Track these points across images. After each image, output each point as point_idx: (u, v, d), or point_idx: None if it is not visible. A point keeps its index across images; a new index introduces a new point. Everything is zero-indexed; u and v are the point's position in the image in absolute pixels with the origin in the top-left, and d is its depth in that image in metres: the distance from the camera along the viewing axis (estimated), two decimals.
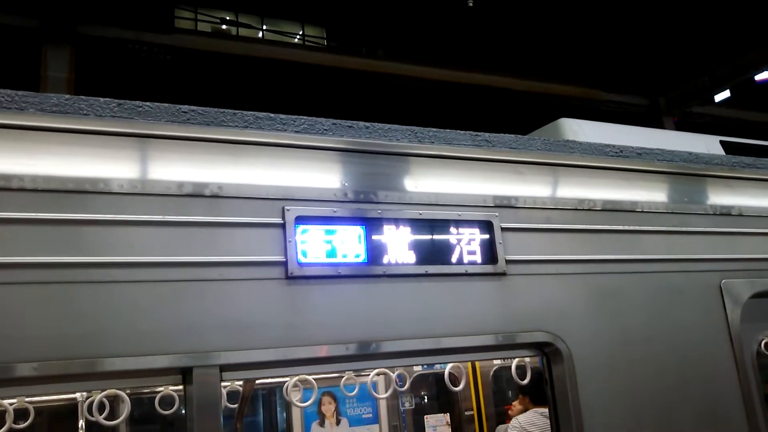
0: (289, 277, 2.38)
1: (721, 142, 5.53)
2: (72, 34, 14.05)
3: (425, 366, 7.43)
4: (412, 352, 2.57)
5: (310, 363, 2.43)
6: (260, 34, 20.48)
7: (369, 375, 3.65)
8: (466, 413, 8.04)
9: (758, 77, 20.84)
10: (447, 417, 8.29)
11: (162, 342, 2.14)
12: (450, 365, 3.39)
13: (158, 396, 4.77)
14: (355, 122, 2.84)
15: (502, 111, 20.07)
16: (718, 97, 21.72)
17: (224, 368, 2.21)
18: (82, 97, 2.41)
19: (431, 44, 19.67)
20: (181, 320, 2.18)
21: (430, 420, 8.26)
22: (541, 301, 2.81)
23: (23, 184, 2.10)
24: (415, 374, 7.76)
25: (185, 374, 2.18)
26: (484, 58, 19.54)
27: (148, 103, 2.48)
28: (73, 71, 13.65)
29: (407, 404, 8.61)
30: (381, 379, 5.64)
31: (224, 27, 20.29)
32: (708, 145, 5.33)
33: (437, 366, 6.93)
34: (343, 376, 3.68)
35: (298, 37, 21.20)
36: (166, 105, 2.53)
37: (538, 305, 2.80)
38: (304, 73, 17.58)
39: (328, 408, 7.42)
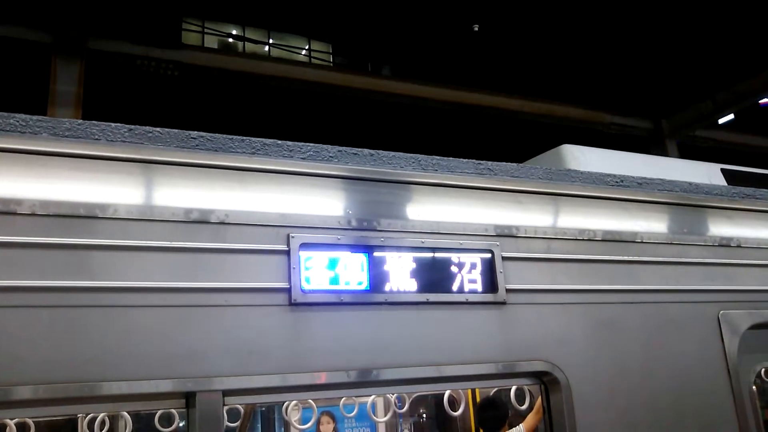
0: (293, 304, 2.41)
1: (723, 170, 5.53)
2: (82, 48, 14.22)
3: None
4: (413, 380, 2.60)
5: (311, 389, 2.45)
6: (266, 48, 20.65)
7: (368, 396, 3.67)
8: None
9: (762, 101, 20.94)
10: None
11: (166, 366, 2.17)
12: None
13: (158, 413, 4.79)
14: (359, 149, 2.87)
15: (507, 131, 20.19)
16: (722, 120, 21.80)
17: (227, 393, 2.24)
18: (94, 122, 2.46)
19: (435, 64, 19.82)
20: (185, 345, 2.21)
21: None
22: (540, 330, 2.84)
23: (34, 209, 2.15)
24: (414, 395, 7.78)
25: (188, 398, 2.22)
26: (489, 80, 19.69)
27: (158, 129, 2.52)
28: (82, 85, 13.80)
29: (406, 430, 8.63)
30: (380, 401, 5.65)
31: (231, 40, 20.47)
32: (709, 172, 5.34)
33: None
34: (342, 397, 3.69)
35: (304, 51, 21.37)
36: (176, 131, 2.57)
37: (537, 334, 2.83)
38: (310, 89, 17.74)
39: (327, 428, 7.41)
